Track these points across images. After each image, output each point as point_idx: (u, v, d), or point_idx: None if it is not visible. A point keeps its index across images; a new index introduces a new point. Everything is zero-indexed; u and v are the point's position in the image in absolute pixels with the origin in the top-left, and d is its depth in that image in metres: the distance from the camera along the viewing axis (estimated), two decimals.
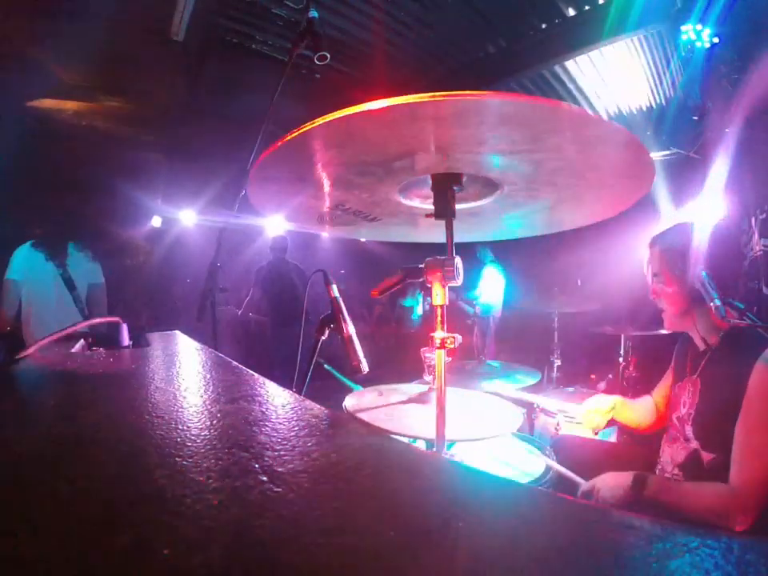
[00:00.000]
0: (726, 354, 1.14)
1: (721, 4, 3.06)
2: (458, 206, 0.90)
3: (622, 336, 2.98)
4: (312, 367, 1.07)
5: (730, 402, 1.05)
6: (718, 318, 1.04)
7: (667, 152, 3.85)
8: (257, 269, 4.01)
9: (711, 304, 1.04)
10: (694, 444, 1.16)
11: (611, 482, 1.14)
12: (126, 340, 1.00)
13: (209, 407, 0.47)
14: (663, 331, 2.71)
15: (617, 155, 0.78)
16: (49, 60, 3.19)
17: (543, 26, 3.45)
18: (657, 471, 1.29)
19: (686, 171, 3.76)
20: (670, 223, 1.30)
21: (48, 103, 3.69)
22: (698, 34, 3.30)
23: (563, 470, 1.32)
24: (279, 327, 3.92)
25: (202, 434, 0.39)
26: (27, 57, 3.12)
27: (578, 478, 1.28)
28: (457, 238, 0.91)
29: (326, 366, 1.77)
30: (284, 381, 0.60)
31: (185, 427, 0.40)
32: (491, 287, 4.78)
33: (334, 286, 1.10)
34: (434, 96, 0.59)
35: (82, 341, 1.12)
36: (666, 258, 1.22)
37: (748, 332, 1.09)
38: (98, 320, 1.00)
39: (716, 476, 1.06)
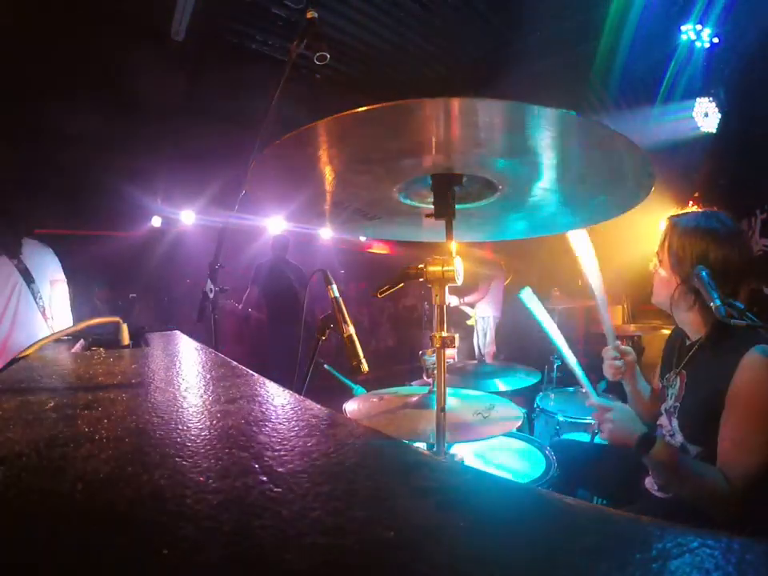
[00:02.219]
0: (711, 349, 1.15)
1: (721, 4, 3.06)
2: (458, 206, 0.90)
3: (622, 336, 2.98)
4: (312, 367, 1.07)
5: (714, 396, 1.05)
6: (717, 317, 1.03)
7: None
8: (256, 265, 3.99)
9: (711, 304, 1.03)
10: (680, 437, 1.16)
11: (620, 431, 1.10)
12: (125, 340, 1.00)
13: (209, 407, 0.47)
14: (664, 331, 2.72)
15: (617, 161, 0.78)
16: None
17: (544, 26, 3.45)
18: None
19: (687, 170, 3.76)
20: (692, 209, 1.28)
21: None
22: (698, 34, 3.30)
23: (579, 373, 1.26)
24: (276, 327, 3.90)
25: (202, 434, 0.39)
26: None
27: (590, 389, 1.22)
28: (457, 238, 0.91)
29: (325, 365, 1.78)
30: (282, 380, 0.60)
31: (185, 427, 0.40)
32: (491, 287, 4.77)
33: (334, 286, 1.10)
34: (433, 98, 0.59)
35: (81, 341, 1.12)
36: (668, 242, 1.21)
37: (734, 328, 1.08)
38: (98, 320, 1.00)
39: None
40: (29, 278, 2.07)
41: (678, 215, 1.25)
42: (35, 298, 2.08)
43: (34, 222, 2.29)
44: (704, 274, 1.06)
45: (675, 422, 1.18)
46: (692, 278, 1.09)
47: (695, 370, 1.18)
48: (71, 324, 2.18)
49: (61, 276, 2.23)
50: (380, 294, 1.00)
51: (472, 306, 4.80)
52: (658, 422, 1.29)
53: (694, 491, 1.03)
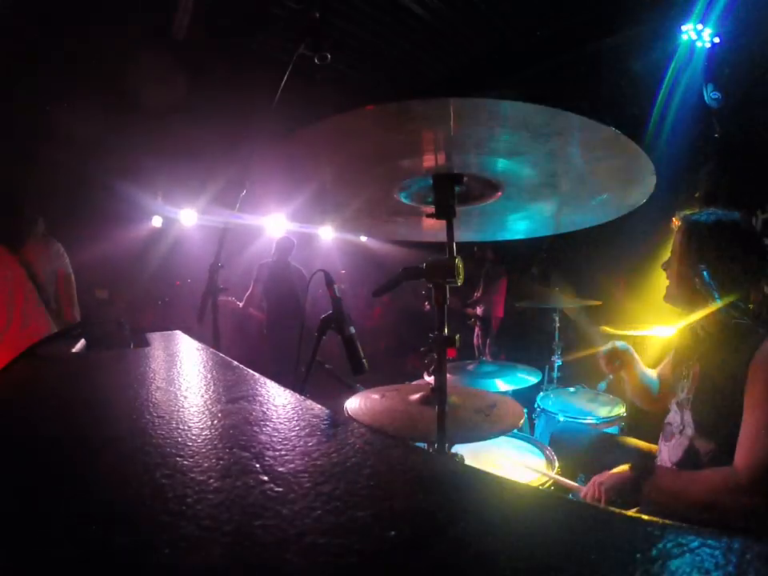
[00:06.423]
0: (725, 343, 1.14)
1: (722, 4, 3.06)
2: (459, 206, 0.90)
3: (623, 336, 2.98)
4: (312, 367, 1.07)
5: (728, 389, 1.05)
6: (717, 317, 1.04)
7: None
8: (260, 264, 3.96)
9: (711, 304, 1.04)
10: (690, 431, 1.16)
11: (613, 479, 1.14)
12: (126, 340, 1.00)
13: (210, 407, 0.47)
14: (664, 331, 2.72)
15: (618, 161, 0.78)
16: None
17: (544, 25, 3.44)
18: None
19: (688, 170, 3.75)
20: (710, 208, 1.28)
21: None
22: (699, 34, 3.30)
23: (560, 478, 1.34)
24: (275, 328, 3.89)
25: (203, 433, 0.39)
26: None
27: (574, 484, 1.29)
28: (459, 238, 0.90)
29: (326, 365, 1.77)
30: (282, 380, 0.60)
31: (185, 427, 0.40)
32: (492, 287, 4.76)
33: (335, 287, 1.10)
34: (433, 98, 0.59)
35: (82, 341, 1.12)
36: (684, 238, 1.20)
37: (745, 324, 1.09)
38: (99, 320, 1.00)
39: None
40: (31, 273, 2.11)
41: (692, 213, 1.25)
42: (39, 292, 2.12)
43: (37, 219, 2.33)
44: (705, 273, 1.07)
45: (688, 415, 1.18)
46: (694, 277, 1.09)
47: (709, 363, 1.17)
48: (78, 318, 2.25)
49: (68, 269, 2.30)
50: (379, 293, 1.01)
51: (474, 307, 4.79)
52: (666, 421, 1.29)
53: (706, 484, 1.02)
